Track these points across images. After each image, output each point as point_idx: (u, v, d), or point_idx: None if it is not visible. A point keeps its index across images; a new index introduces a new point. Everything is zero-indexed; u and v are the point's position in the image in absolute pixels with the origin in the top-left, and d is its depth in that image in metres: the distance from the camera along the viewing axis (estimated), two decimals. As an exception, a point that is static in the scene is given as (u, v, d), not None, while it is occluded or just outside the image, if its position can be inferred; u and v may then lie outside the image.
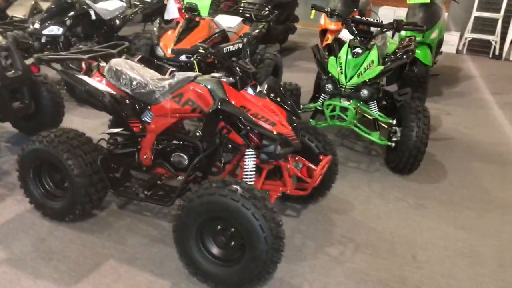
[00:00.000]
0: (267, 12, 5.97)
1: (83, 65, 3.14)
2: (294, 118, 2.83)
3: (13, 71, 3.64)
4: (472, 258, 2.99)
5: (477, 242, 3.17)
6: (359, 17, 4.34)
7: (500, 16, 8.70)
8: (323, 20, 6.60)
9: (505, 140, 4.98)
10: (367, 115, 4.21)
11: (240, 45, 3.61)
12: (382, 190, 3.77)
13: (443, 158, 4.41)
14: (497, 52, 8.94)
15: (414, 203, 3.60)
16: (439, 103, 6.05)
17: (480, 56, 9.06)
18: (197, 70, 3.81)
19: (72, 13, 5.39)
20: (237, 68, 2.75)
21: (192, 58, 2.53)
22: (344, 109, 4.02)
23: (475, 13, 8.88)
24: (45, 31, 5.14)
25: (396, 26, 4.10)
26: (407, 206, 3.56)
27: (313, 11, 4.55)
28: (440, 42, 6.65)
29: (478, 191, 3.86)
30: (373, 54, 4.04)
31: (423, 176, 4.03)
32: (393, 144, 4.00)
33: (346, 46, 4.14)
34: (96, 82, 3.02)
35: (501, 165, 4.36)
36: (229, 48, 3.52)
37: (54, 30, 5.19)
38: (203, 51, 2.65)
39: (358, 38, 4.14)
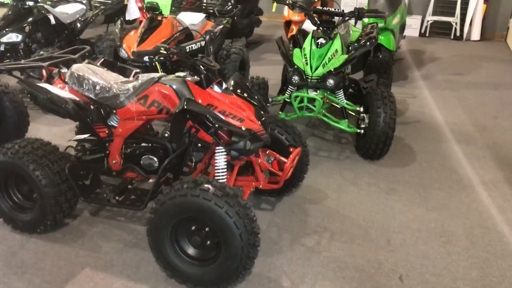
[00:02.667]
0: (230, 7, 5.95)
1: (44, 72, 3.07)
2: (262, 112, 2.84)
3: (-29, 83, 3.54)
4: (444, 238, 3.07)
5: (448, 221, 3.26)
6: (320, 7, 4.37)
7: (459, -3, 8.89)
8: (287, 11, 6.62)
9: (468, 120, 5.10)
10: (335, 104, 4.26)
11: (203, 43, 3.59)
12: (354, 177, 3.82)
13: (411, 142, 4.50)
14: (458, 34, 9.13)
15: (385, 188, 3.67)
16: (404, 87, 6.15)
17: (442, 38, 9.25)
18: (160, 71, 3.78)
19: (30, 19, 5.25)
20: (201, 66, 2.73)
21: (154, 59, 2.50)
22: (312, 100, 4.05)
23: (435, -4, 9.05)
24: (3, 39, 5.00)
25: (358, 14, 4.14)
26: (379, 191, 3.62)
27: (275, 4, 4.58)
28: (402, 27, 6.76)
29: (446, 172, 3.95)
30: (337, 44, 4.07)
31: (393, 161, 4.10)
32: (362, 131, 4.05)
33: (309, 37, 4.17)
34: (58, 89, 2.95)
35: (466, 145, 4.47)
36: (192, 47, 3.49)
37: (13, 37, 5.05)
38: (165, 52, 2.63)
39: (321, 29, 4.16)
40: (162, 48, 2.63)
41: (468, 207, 3.44)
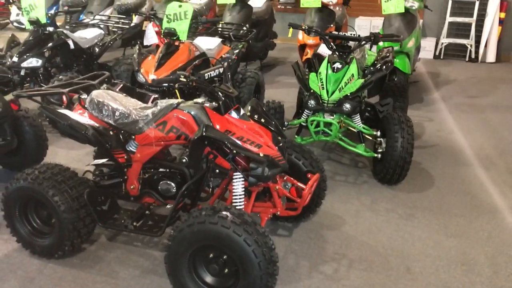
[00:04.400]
0: (246, 31, 6.01)
1: (64, 98, 3.11)
2: (279, 138, 2.84)
3: (-8, 109, 3.60)
4: (466, 266, 3.01)
5: (470, 249, 3.19)
6: (336, 32, 4.40)
7: (473, 20, 8.90)
8: (301, 35, 6.66)
9: (487, 143, 5.05)
10: (352, 128, 4.24)
11: (221, 70, 3.63)
12: (371, 202, 3.78)
13: (429, 166, 4.45)
14: (473, 55, 9.10)
15: (404, 214, 3.62)
16: (421, 110, 6.12)
17: (457, 60, 9.22)
18: (179, 97, 3.81)
19: (50, 44, 5.35)
20: (220, 93, 2.75)
21: (174, 87, 2.52)
22: (328, 124, 4.04)
23: (449, 19, 9.06)
24: (23, 64, 5.10)
25: (374, 38, 4.15)
26: (398, 217, 3.57)
27: (291, 29, 4.61)
28: (417, 50, 6.76)
29: (465, 197, 3.89)
30: (353, 68, 4.08)
31: (411, 185, 4.06)
32: (379, 156, 4.02)
33: (325, 61, 4.18)
34: (78, 115, 2.99)
35: (485, 169, 4.41)
36: (210, 74, 3.53)
37: (33, 62, 5.14)
38: (184, 80, 2.65)
39: (337, 53, 4.18)
40: (182, 76, 2.66)
41: (490, 234, 3.37)
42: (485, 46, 8.97)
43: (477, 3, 8.82)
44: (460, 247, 3.21)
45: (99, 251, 3.13)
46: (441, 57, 9.33)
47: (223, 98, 2.75)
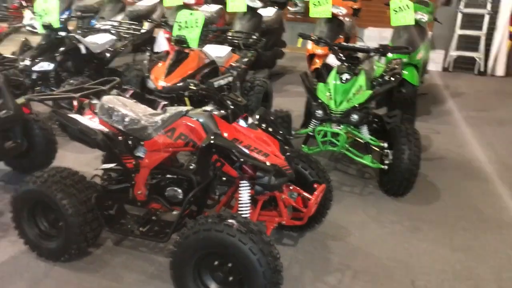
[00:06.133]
0: (255, 40, 6.05)
1: (75, 103, 3.15)
2: (286, 147, 2.86)
3: (4, 111, 3.64)
4: (471, 281, 3.00)
5: (475, 263, 3.18)
6: (344, 42, 4.42)
7: (482, 33, 8.89)
8: (310, 45, 6.69)
9: (496, 157, 5.03)
10: (359, 139, 4.25)
11: (231, 78, 3.66)
12: (377, 213, 3.78)
13: (435, 178, 4.44)
14: (482, 69, 9.09)
15: (409, 226, 3.61)
16: (428, 122, 6.12)
17: (466, 73, 9.21)
18: (189, 104, 3.84)
19: (62, 49, 5.42)
20: (228, 101, 2.77)
21: (184, 94, 2.56)
22: (335, 134, 4.05)
23: (459, 31, 9.07)
24: (35, 68, 5.16)
25: (383, 50, 4.17)
26: (403, 229, 3.57)
27: (300, 39, 4.64)
28: (425, 62, 6.76)
29: (472, 211, 3.88)
30: (361, 79, 4.09)
31: (417, 198, 4.05)
32: (386, 167, 4.03)
33: (334, 72, 4.20)
34: (88, 120, 3.03)
35: (493, 183, 4.40)
36: (220, 82, 3.56)
37: (45, 66, 5.20)
38: (194, 88, 2.68)
39: (346, 64, 4.20)
40: (192, 84, 2.69)
41: (496, 249, 3.36)
42: (495, 59, 8.97)
43: (486, 17, 8.83)
44: (466, 261, 3.20)
45: (105, 255, 3.15)
46: (450, 70, 9.32)
47: (231, 107, 2.77)
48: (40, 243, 3.04)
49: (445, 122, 6.13)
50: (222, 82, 3.62)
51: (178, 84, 4.05)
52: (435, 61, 9.33)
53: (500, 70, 9.01)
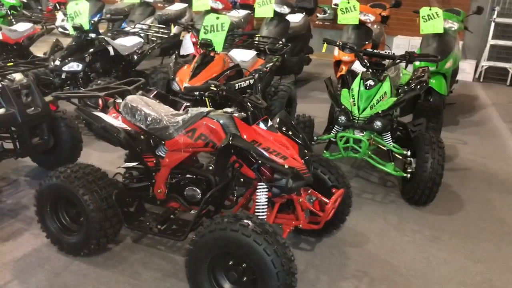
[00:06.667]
0: (281, 45, 6.07)
1: (100, 102, 3.22)
2: (306, 151, 2.85)
3: (33, 108, 3.76)
4: (491, 293, 2.93)
5: (496, 276, 3.10)
6: (371, 49, 4.39)
7: (516, 44, 8.69)
8: (337, 51, 6.67)
9: (524, 169, 4.91)
10: (381, 146, 4.21)
11: (252, 81, 3.67)
12: (397, 222, 3.73)
13: (459, 189, 4.36)
14: (514, 80, 8.88)
15: (430, 236, 3.55)
16: (455, 132, 6.01)
17: (497, 84, 9.00)
18: (209, 106, 3.88)
19: (91, 50, 5.55)
20: (249, 103, 2.79)
21: (205, 95, 2.59)
22: (357, 141, 4.02)
23: (491, 41, 8.88)
24: (65, 68, 5.30)
25: (408, 57, 4.13)
26: (423, 238, 3.51)
27: (325, 44, 4.64)
28: (455, 71, 6.65)
29: (496, 223, 3.79)
30: (386, 86, 4.06)
31: (439, 208, 3.98)
32: (408, 176, 3.97)
33: (358, 78, 4.18)
34: (112, 119, 3.09)
35: (520, 196, 4.28)
36: (241, 84, 3.58)
37: (74, 66, 5.35)
38: (214, 88, 2.71)
39: (370, 70, 4.17)
40: (212, 85, 2.72)
41: (519, 262, 3.27)
42: (527, 70, 8.74)
43: (520, 27, 8.63)
44: (487, 273, 3.13)
45: (124, 251, 3.20)
46: (481, 80, 9.13)
47: (251, 109, 2.79)
48: (62, 237, 3.12)
49: (473, 133, 6.00)
50: (243, 84, 3.64)
51: (199, 85, 4.10)
52: (466, 71, 9.17)
53: (533, 82, 8.78)
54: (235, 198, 3.06)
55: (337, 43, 4.45)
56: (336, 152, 4.20)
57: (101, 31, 6.24)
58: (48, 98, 3.87)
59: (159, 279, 2.93)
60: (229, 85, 2.73)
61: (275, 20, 7.53)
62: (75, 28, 5.46)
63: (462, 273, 3.12)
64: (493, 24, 8.82)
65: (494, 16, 8.77)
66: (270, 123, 2.84)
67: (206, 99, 3.71)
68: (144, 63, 8.02)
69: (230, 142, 2.57)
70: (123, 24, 8.45)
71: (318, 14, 10.28)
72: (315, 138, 4.41)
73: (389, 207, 3.97)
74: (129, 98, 3.13)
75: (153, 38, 6.57)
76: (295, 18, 7.95)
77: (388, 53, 4.24)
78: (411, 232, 3.59)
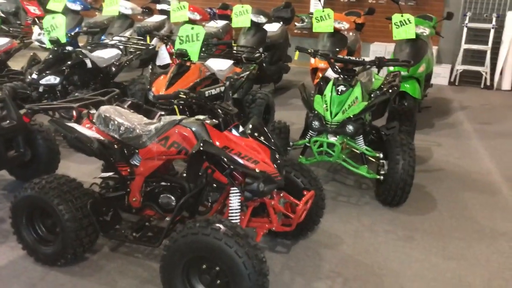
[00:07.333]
0: (258, 54, 6.16)
1: (74, 113, 3.26)
2: (277, 155, 2.92)
3: (8, 121, 3.77)
4: (460, 288, 3.01)
5: (466, 272, 3.19)
6: (344, 56, 4.50)
7: (488, 48, 8.91)
8: (313, 59, 6.79)
9: (495, 169, 5.04)
10: (355, 150, 4.30)
11: (222, 88, 3.75)
12: (371, 223, 3.81)
13: (433, 190, 4.46)
14: (488, 83, 9.09)
15: (403, 235, 3.64)
16: (430, 134, 6.14)
17: (472, 87, 9.21)
18: (178, 114, 3.93)
19: (69, 63, 5.57)
20: (219, 110, 2.86)
21: (174, 103, 2.65)
22: (331, 145, 4.10)
23: (464, 46, 9.10)
24: (42, 81, 5.31)
25: (378, 63, 4.24)
26: (396, 238, 3.59)
27: (297, 52, 4.75)
28: (429, 76, 6.80)
29: (467, 221, 3.89)
30: (357, 91, 4.16)
31: (413, 208, 4.07)
32: (381, 177, 4.06)
33: (330, 84, 4.28)
34: (86, 129, 3.13)
35: (490, 195, 4.40)
36: (211, 92, 3.65)
37: (51, 79, 5.36)
38: (184, 96, 2.77)
39: (341, 76, 4.27)
40: (181, 93, 2.78)
41: (488, 258, 3.36)
42: (501, 73, 8.96)
43: (492, 31, 8.85)
44: (457, 270, 3.21)
45: (101, 260, 3.22)
46: (456, 84, 9.33)
47: (222, 115, 2.86)
48: (38, 248, 3.13)
49: (447, 135, 6.14)
50: (214, 91, 3.71)
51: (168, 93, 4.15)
52: (442, 75, 9.36)
53: (506, 84, 9.00)
54: (209, 203, 3.11)
55: (309, 51, 4.55)
56: (312, 157, 4.28)
57: (80, 44, 6.27)
58: (22, 111, 3.89)
59: (136, 286, 2.96)
60: (199, 93, 2.79)
61: (253, 30, 7.63)
62: (52, 41, 5.48)
63: (433, 270, 3.20)
64: (465, 29, 9.05)
65: (466, 21, 9.00)
66: (241, 129, 2.91)
67: (176, 107, 3.77)
68: (124, 75, 8.05)
69: (201, 148, 2.63)
70: (102, 37, 8.48)
71: (296, 23, 10.42)
72: (291, 143, 4.49)
73: (364, 209, 4.06)
74: (103, 108, 3.17)
75: (131, 50, 6.61)
76: (273, 28, 8.07)
77: (359, 59, 4.34)
78: (384, 233, 3.67)
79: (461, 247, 3.50)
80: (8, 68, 5.48)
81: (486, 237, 3.65)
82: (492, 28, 8.86)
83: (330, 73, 4.94)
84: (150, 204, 3.13)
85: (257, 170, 2.70)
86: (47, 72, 5.37)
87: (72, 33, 5.90)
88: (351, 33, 7.84)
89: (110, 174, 3.34)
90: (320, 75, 6.62)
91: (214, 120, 2.91)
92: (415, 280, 3.08)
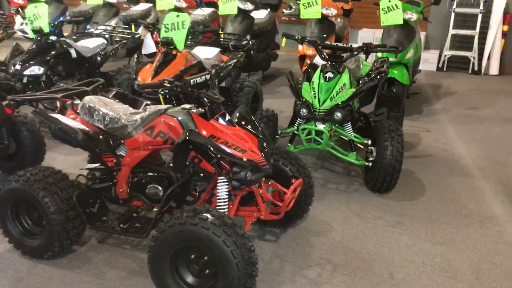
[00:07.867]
0: (246, 41, 6.10)
1: (58, 103, 3.21)
2: (265, 144, 2.90)
3: (-10, 113, 3.71)
4: (449, 273, 3.02)
5: (454, 256, 3.21)
6: (330, 42, 4.46)
7: (476, 33, 8.91)
8: (301, 46, 6.74)
9: (483, 154, 5.06)
10: (343, 137, 4.29)
11: (208, 76, 3.70)
12: (360, 209, 3.81)
13: (422, 175, 4.48)
14: (476, 68, 9.11)
15: (392, 221, 3.64)
16: (419, 120, 6.15)
17: (460, 72, 9.23)
18: (163, 103, 3.89)
19: (53, 53, 5.48)
20: (205, 99, 2.82)
21: (158, 92, 2.60)
22: (319, 133, 4.08)
23: (452, 31, 9.09)
24: (26, 72, 5.22)
25: (366, 49, 4.21)
26: (385, 224, 3.60)
27: (284, 39, 4.71)
28: (417, 61, 6.80)
29: (455, 206, 3.91)
30: (345, 78, 4.14)
31: (402, 194, 4.08)
32: (370, 164, 4.06)
33: (318, 71, 4.25)
34: (70, 120, 3.08)
35: (478, 179, 4.42)
36: (196, 80, 3.60)
37: (35, 70, 5.27)
38: (168, 85, 2.73)
39: (329, 63, 4.24)
40: (166, 81, 2.74)
41: (476, 242, 3.39)
42: (488, 58, 8.98)
43: (479, 16, 8.85)
44: (446, 254, 3.23)
45: (89, 252, 3.19)
46: (444, 69, 9.35)
47: (208, 104, 2.82)
48: (24, 241, 3.09)
49: (435, 121, 6.16)
50: (199, 79, 3.66)
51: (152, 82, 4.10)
52: (430, 61, 9.37)
53: (494, 69, 9.03)
54: (197, 193, 3.08)
55: (296, 37, 4.51)
56: (300, 145, 4.26)
57: (65, 33, 6.16)
58: (5, 102, 3.82)
59: (124, 278, 2.94)
60: (184, 81, 2.75)
61: (240, 17, 7.56)
62: (35, 31, 5.38)
63: (422, 255, 3.22)
64: (453, 14, 9.03)
65: (454, 7, 8.98)
66: (228, 117, 2.88)
67: (160, 96, 3.72)
68: (111, 64, 7.96)
69: (187, 138, 2.60)
70: (87, 26, 8.35)
71: (284, 10, 10.33)
72: (279, 132, 4.47)
73: (353, 195, 4.06)
74: (87, 98, 3.12)
75: (116, 39, 6.51)
76: (260, 15, 8.00)
77: (346, 45, 4.31)
78: (373, 219, 3.68)
79: (450, 232, 3.51)
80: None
81: (474, 221, 3.67)
82: (480, 13, 8.85)
83: (318, 60, 4.91)
84: (137, 194, 3.10)
85: (244, 159, 2.67)
86: (31, 62, 5.28)
87: (56, 23, 5.79)
88: (339, 19, 7.80)
89: (97, 165, 3.29)
90: (308, 62, 6.60)
91: (200, 109, 2.88)
92: (404, 265, 3.09)
